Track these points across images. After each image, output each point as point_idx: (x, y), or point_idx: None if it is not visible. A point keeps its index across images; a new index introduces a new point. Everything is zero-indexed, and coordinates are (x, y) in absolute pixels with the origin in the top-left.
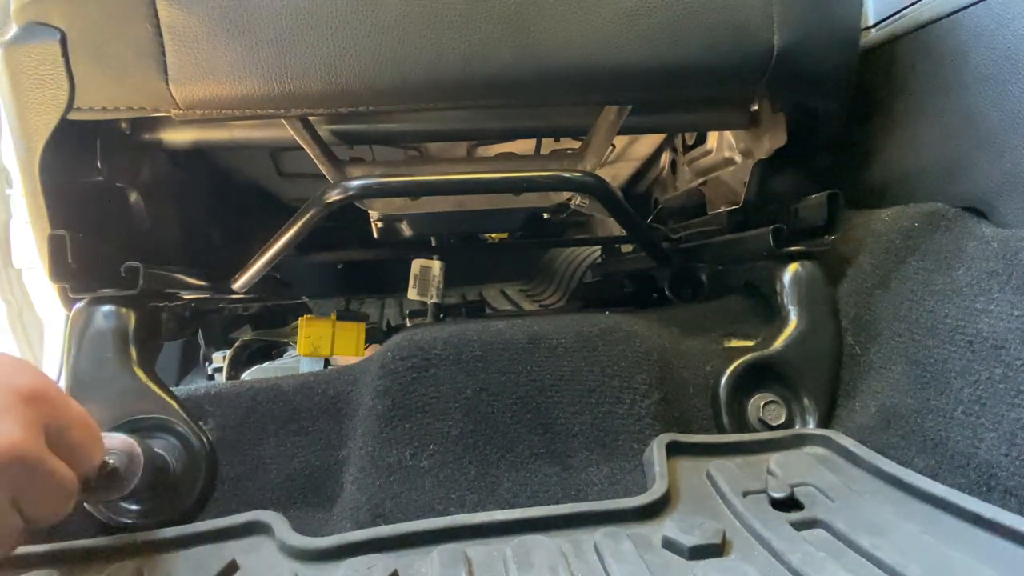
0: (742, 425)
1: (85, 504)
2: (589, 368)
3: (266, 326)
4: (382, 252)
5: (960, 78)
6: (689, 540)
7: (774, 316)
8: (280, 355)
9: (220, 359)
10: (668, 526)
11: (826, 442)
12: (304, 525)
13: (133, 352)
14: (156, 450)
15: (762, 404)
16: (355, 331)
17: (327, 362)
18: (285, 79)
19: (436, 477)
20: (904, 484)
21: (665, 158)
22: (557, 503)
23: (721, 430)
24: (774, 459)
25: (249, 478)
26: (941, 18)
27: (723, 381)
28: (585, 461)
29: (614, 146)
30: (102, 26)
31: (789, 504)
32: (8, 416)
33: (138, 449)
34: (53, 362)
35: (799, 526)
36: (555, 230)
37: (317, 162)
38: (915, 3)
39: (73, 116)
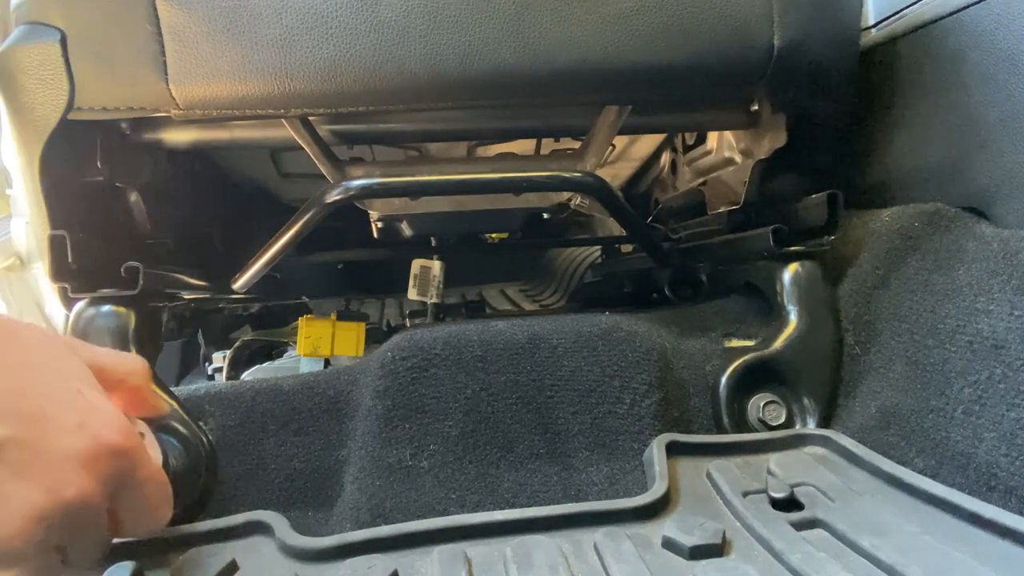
0: (742, 425)
1: None
2: (589, 368)
3: (266, 326)
4: (382, 252)
5: (960, 78)
6: (689, 540)
7: (774, 316)
8: (280, 355)
9: (220, 359)
10: (668, 526)
11: (826, 442)
12: (304, 525)
13: (133, 352)
14: None
15: (762, 404)
16: (355, 331)
17: (327, 362)
18: (285, 79)
19: (436, 477)
20: (904, 484)
21: (665, 158)
22: (557, 503)
23: (721, 430)
24: (774, 459)
25: (249, 478)
26: (941, 18)
27: (723, 381)
28: (585, 461)
29: (614, 146)
30: (102, 26)
31: (789, 504)
32: (85, 468)
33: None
34: None
35: (799, 526)
36: (555, 230)
37: (317, 162)
38: (915, 3)
39: (73, 116)
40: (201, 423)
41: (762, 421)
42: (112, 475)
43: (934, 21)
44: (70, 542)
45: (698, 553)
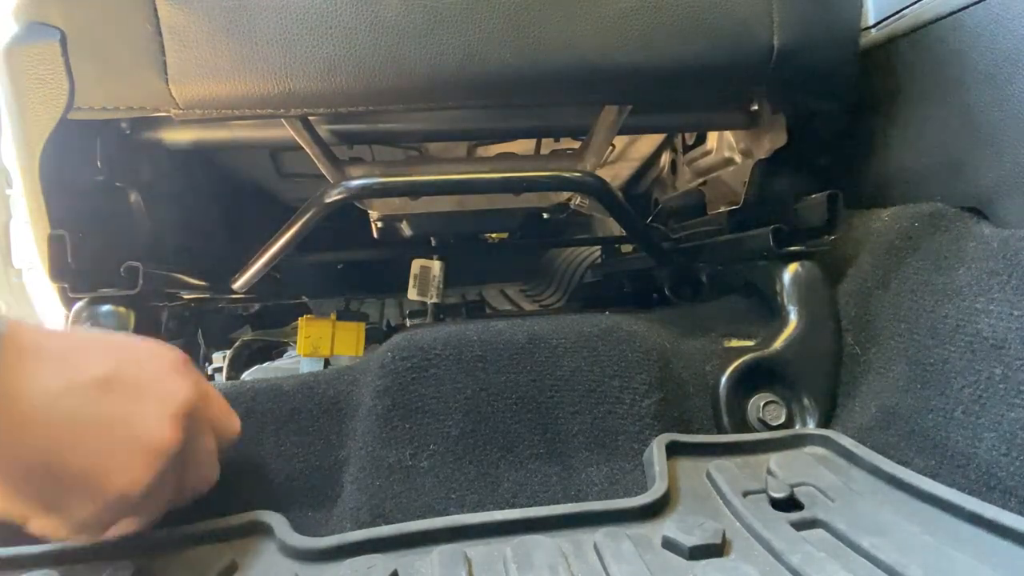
0: (742, 425)
1: None
2: (589, 368)
3: (266, 326)
4: (382, 252)
5: (960, 78)
6: (689, 540)
7: (774, 316)
8: (280, 355)
9: (220, 359)
10: (668, 526)
11: (826, 442)
12: (304, 525)
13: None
14: None
15: (762, 404)
16: (355, 331)
17: (327, 362)
18: (285, 79)
19: (436, 477)
20: (904, 484)
21: (665, 158)
22: (557, 503)
23: (721, 430)
24: (774, 459)
25: (249, 478)
26: (941, 18)
27: (723, 381)
28: (585, 461)
29: (614, 146)
30: (102, 26)
31: (789, 504)
32: (180, 375)
33: None
34: None
35: (799, 526)
36: (555, 230)
37: (317, 162)
38: (915, 3)
39: (73, 116)
40: None
41: (762, 421)
42: (197, 381)
43: (934, 21)
44: (194, 446)
45: (698, 553)
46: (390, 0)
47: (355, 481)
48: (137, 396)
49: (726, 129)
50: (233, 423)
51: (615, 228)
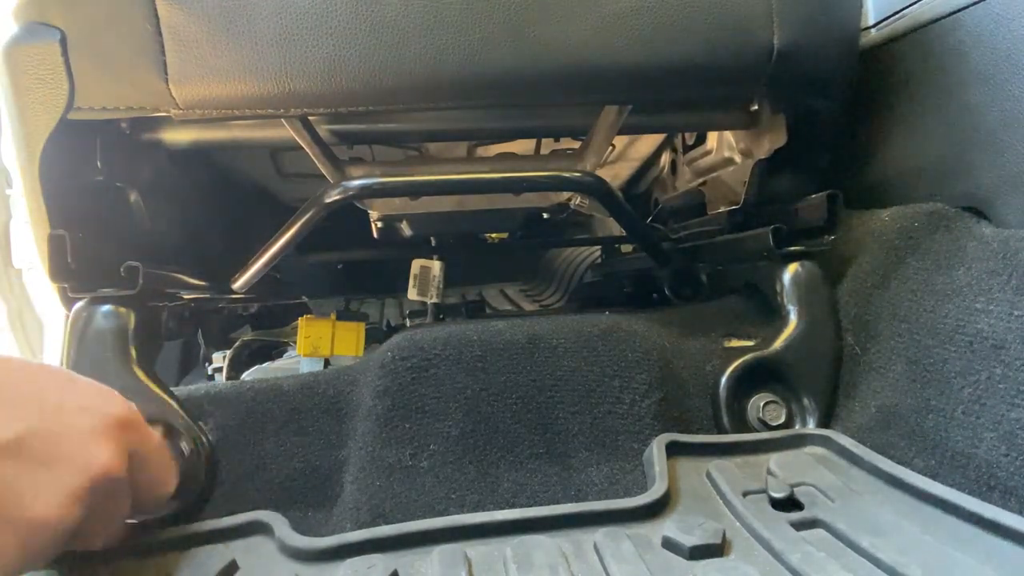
0: (742, 425)
1: None
2: (589, 368)
3: (266, 326)
4: (382, 252)
5: (960, 78)
6: (689, 540)
7: (774, 316)
8: (280, 355)
9: (220, 359)
10: (668, 526)
11: (826, 442)
12: (304, 525)
13: (133, 352)
14: None
15: (762, 404)
16: (355, 331)
17: (327, 362)
18: (285, 79)
19: (436, 477)
20: (904, 484)
21: (665, 158)
22: (557, 503)
23: (721, 430)
24: (774, 459)
25: (249, 478)
26: (941, 18)
27: (723, 381)
28: (585, 461)
29: (614, 146)
30: (102, 26)
31: (789, 504)
32: (104, 440)
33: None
34: (53, 362)
35: (799, 526)
36: (555, 230)
37: (317, 162)
38: (915, 3)
39: (73, 116)
40: (201, 423)
41: (762, 421)
42: (126, 446)
43: (934, 21)
44: (95, 516)
45: (698, 553)
46: (390, 0)
47: (355, 481)
48: (43, 464)
49: (726, 129)
50: (166, 483)
51: (615, 228)
